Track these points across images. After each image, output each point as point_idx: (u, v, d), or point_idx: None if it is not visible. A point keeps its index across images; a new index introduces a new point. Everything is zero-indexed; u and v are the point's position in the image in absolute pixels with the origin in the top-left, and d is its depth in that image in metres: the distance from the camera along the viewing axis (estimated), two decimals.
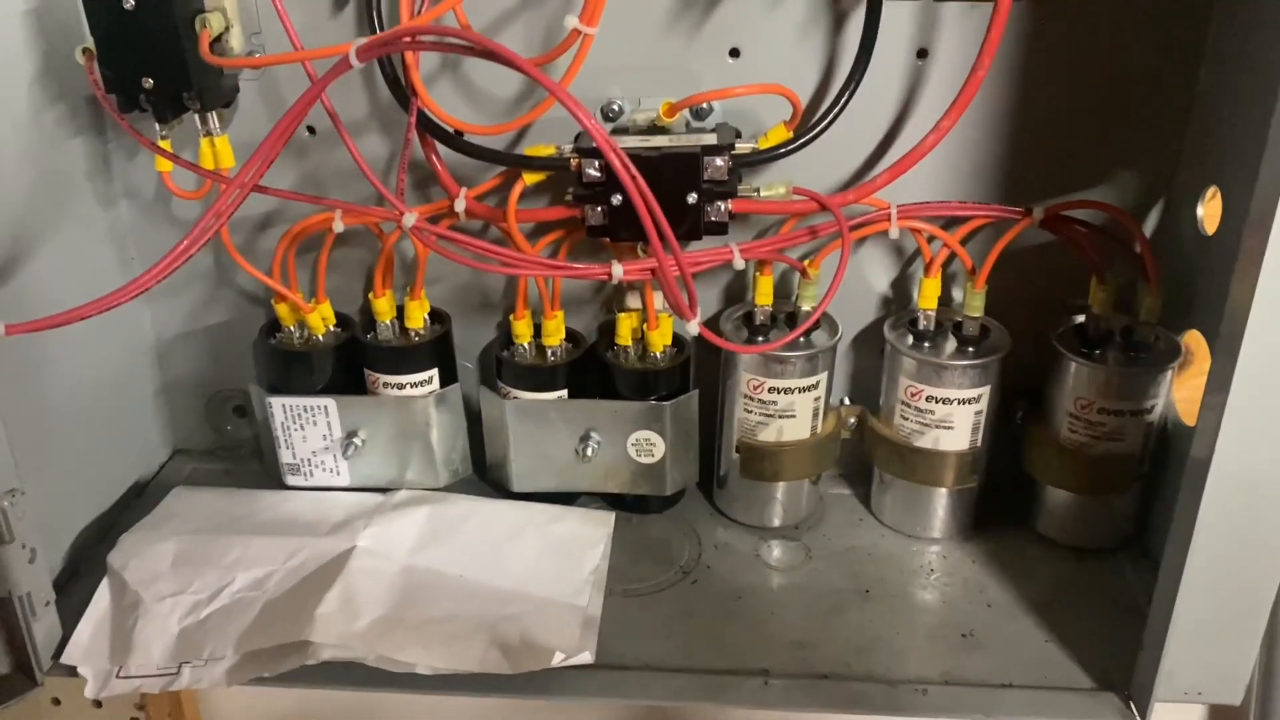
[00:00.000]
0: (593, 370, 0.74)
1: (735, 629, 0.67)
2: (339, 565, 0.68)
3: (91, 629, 0.65)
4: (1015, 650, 0.65)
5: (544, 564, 0.70)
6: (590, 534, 0.73)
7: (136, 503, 0.79)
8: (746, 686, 0.62)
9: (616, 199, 0.64)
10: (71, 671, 0.63)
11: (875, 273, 0.74)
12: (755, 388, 0.70)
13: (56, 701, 0.92)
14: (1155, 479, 0.70)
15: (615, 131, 0.68)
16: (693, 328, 0.62)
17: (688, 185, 0.63)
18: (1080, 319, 0.71)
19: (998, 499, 0.74)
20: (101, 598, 0.67)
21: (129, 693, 0.63)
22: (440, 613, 0.65)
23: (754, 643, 0.66)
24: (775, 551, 0.74)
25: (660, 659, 0.64)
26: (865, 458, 0.76)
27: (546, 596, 0.67)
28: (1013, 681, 0.62)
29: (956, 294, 0.73)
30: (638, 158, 0.60)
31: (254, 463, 0.83)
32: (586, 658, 0.62)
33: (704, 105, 0.68)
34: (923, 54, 0.67)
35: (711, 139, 0.65)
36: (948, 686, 0.62)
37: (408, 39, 0.57)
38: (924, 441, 0.71)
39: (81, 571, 0.71)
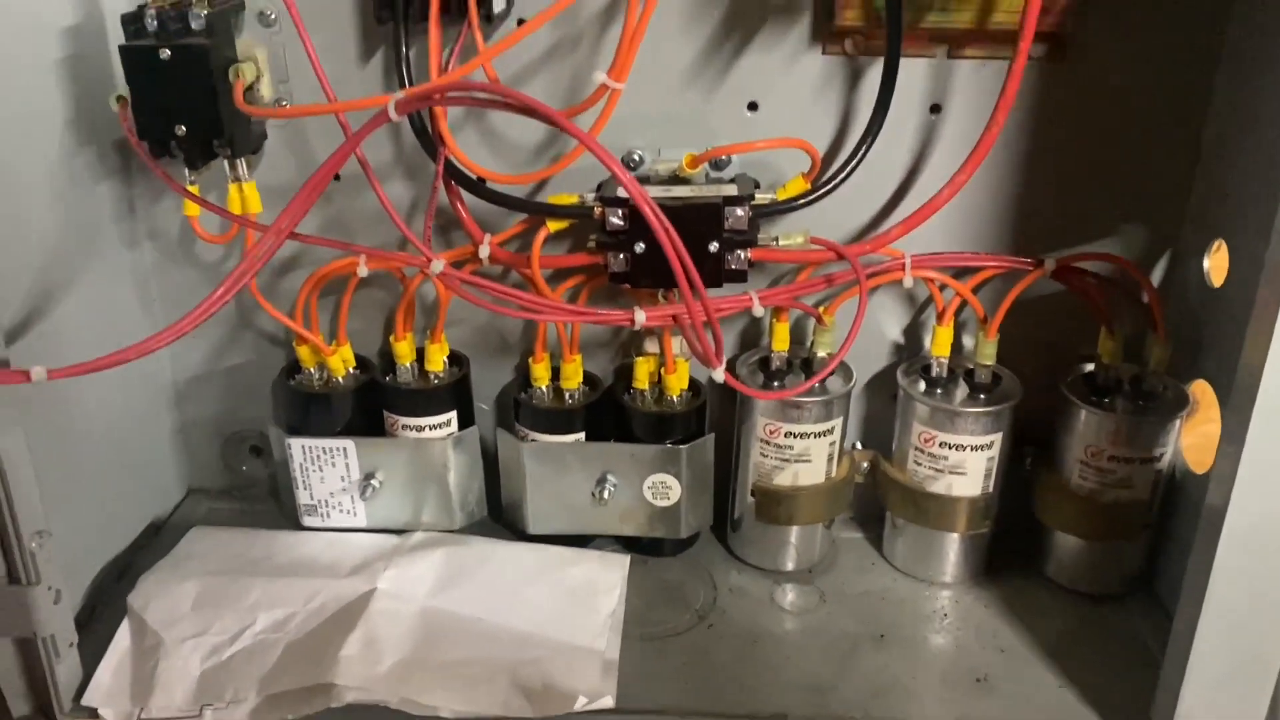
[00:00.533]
0: (609, 413, 0.75)
1: (752, 673, 0.67)
2: (360, 607, 0.68)
3: (112, 671, 0.65)
4: (1029, 695, 0.65)
5: (561, 607, 0.70)
6: (606, 577, 0.74)
7: (153, 542, 0.79)
8: None
9: (639, 247, 0.65)
10: (93, 714, 0.63)
11: (888, 320, 0.76)
12: (771, 432, 0.71)
13: None
14: (1164, 526, 0.71)
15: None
16: (718, 375, 0.63)
17: (709, 234, 0.65)
18: (1090, 368, 0.72)
19: (1008, 544, 0.75)
20: (122, 639, 0.67)
21: None
22: (461, 656, 0.66)
23: (771, 687, 0.66)
24: (789, 595, 0.74)
25: (679, 703, 0.65)
26: (878, 502, 0.77)
27: (566, 640, 0.67)
28: None
29: (968, 341, 0.75)
30: (662, 207, 0.61)
31: (269, 502, 0.84)
32: (608, 702, 0.63)
33: (723, 156, 0.69)
34: (936, 109, 0.69)
35: (731, 189, 0.67)
36: None
37: (443, 94, 0.59)
38: (937, 487, 0.72)
39: (99, 611, 0.71)
